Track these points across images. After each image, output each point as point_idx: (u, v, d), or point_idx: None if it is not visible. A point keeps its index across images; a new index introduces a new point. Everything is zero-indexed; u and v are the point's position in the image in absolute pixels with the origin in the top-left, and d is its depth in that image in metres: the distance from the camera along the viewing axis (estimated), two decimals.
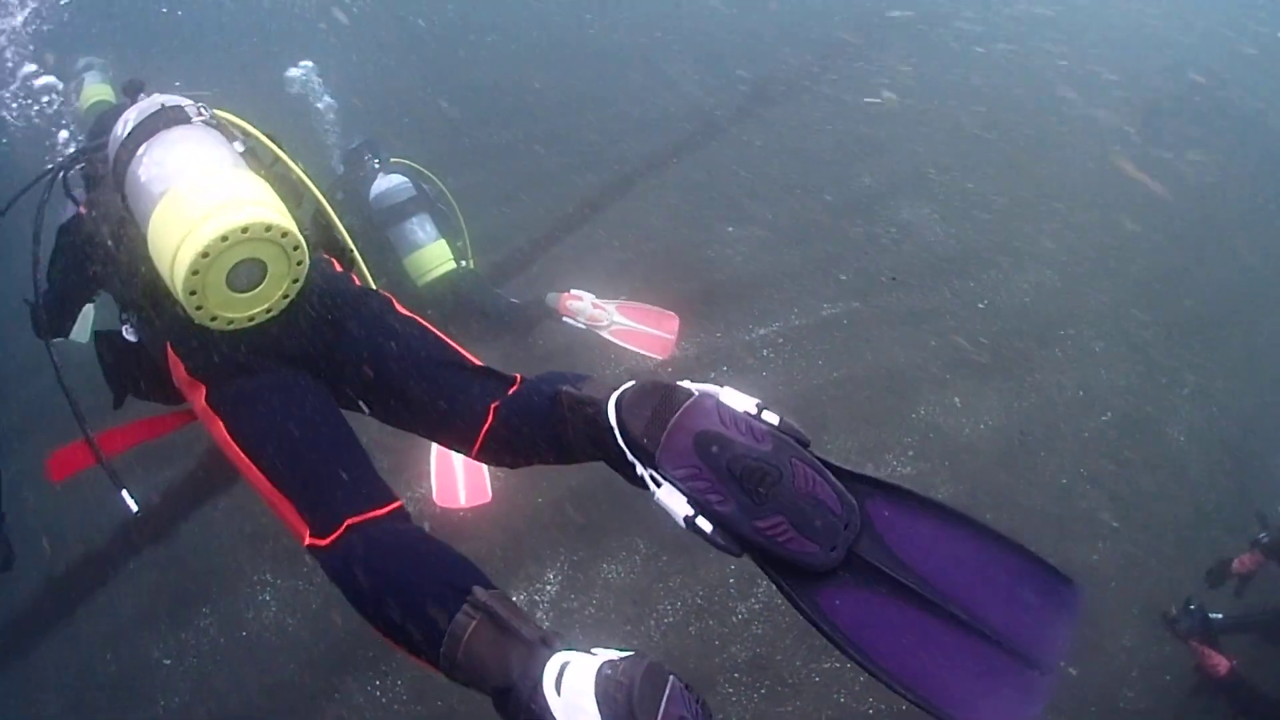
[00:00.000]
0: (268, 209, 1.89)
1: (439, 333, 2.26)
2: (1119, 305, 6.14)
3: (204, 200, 1.85)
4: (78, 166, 2.46)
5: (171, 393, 2.22)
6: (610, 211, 6.66)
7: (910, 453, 4.78)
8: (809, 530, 1.48)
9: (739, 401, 1.63)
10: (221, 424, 2.02)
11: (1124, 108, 8.88)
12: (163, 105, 2.13)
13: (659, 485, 1.60)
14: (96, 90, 6.12)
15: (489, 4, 10.07)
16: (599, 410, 1.72)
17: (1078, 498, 4.81)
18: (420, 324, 2.26)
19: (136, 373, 2.27)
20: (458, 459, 4.16)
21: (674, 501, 1.57)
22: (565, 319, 4.74)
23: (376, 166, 4.93)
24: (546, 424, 1.92)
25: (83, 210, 2.40)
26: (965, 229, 6.68)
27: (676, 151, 7.50)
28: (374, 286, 2.55)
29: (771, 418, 1.60)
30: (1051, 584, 1.49)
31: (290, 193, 2.32)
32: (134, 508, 2.26)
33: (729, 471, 1.53)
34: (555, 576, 4.06)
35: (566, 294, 4.74)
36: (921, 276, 6.08)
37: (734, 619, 3.91)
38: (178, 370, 2.10)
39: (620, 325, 4.74)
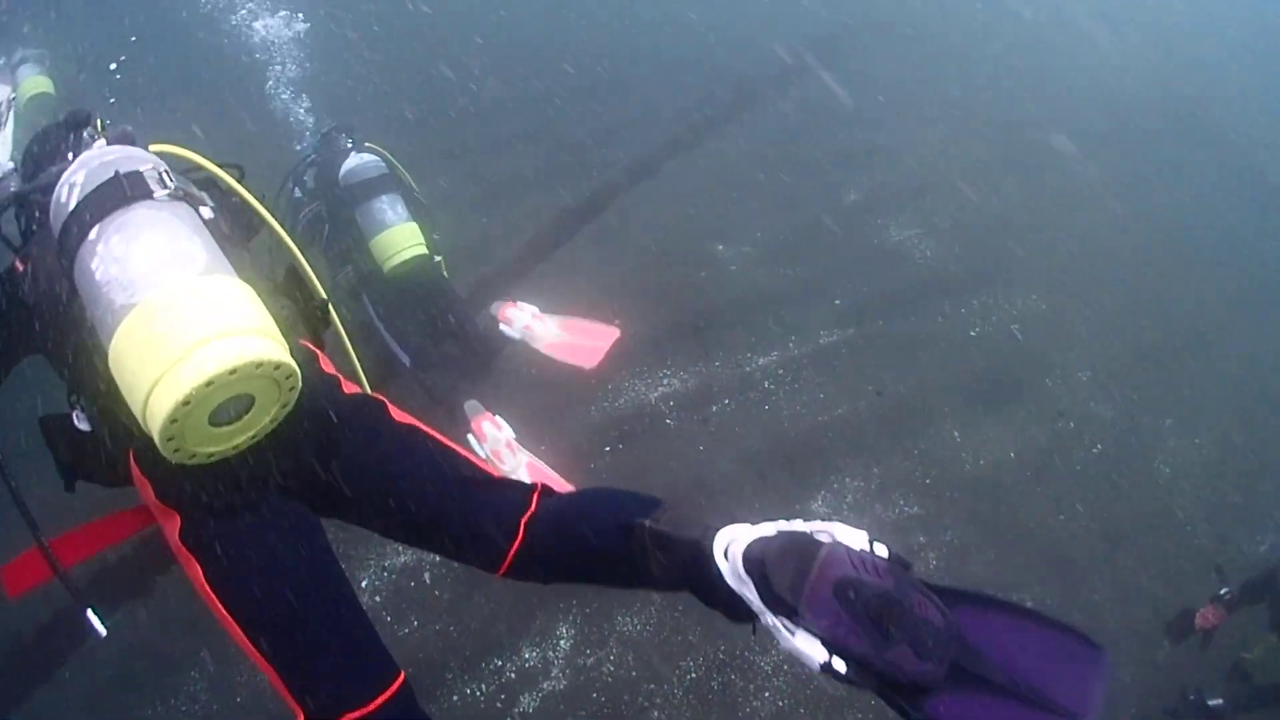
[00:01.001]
0: (258, 339, 1.64)
1: (443, 439, 2.10)
2: (1102, 332, 6.21)
3: (183, 332, 1.57)
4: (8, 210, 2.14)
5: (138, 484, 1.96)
6: (593, 226, 6.47)
7: (915, 491, 4.76)
8: (926, 652, 1.53)
9: (854, 538, 1.62)
10: (199, 570, 1.82)
11: (1102, 127, 8.99)
12: (117, 173, 1.81)
13: (792, 633, 1.56)
14: (35, 83, 5.68)
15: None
16: (703, 556, 1.66)
17: (1075, 534, 4.86)
18: (422, 432, 2.10)
19: (92, 464, 1.96)
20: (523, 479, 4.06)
21: (809, 647, 1.54)
22: (502, 326, 4.60)
23: (349, 146, 4.62)
24: (607, 550, 1.85)
25: (19, 266, 2.06)
26: (952, 250, 6.67)
27: (657, 161, 7.32)
28: (352, 350, 2.44)
29: (882, 550, 1.61)
30: (1089, 652, 1.61)
31: (251, 226, 2.23)
32: (102, 631, 1.96)
33: (864, 612, 1.54)
34: (568, 630, 3.92)
35: (509, 302, 4.63)
36: (913, 301, 6.06)
37: (757, 673, 3.83)
38: (145, 490, 1.89)
39: (556, 339, 4.59)
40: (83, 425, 1.91)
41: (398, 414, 2.11)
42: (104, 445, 1.90)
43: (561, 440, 4.53)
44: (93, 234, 1.72)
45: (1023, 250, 6.80)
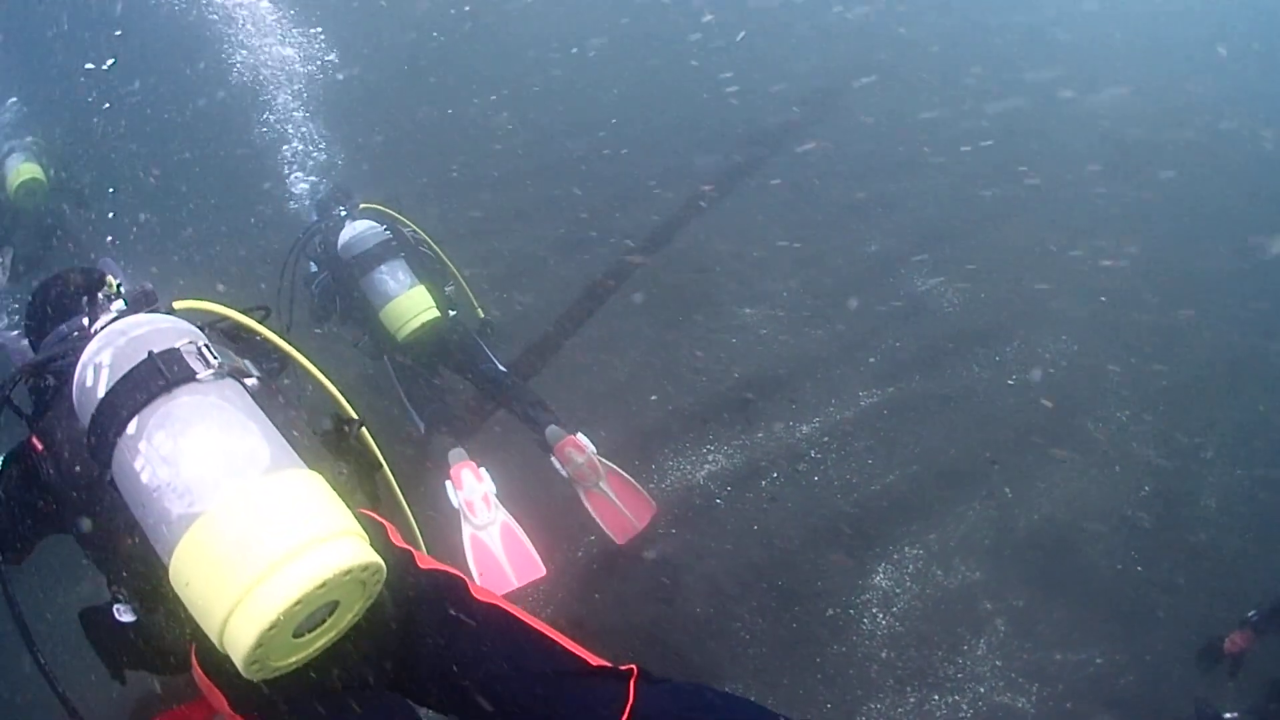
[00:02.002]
0: (342, 543, 1.50)
1: (529, 619, 1.91)
2: (1135, 368, 6.21)
3: (260, 548, 1.42)
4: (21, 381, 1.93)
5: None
6: (620, 298, 6.51)
7: (975, 554, 4.73)
8: None
9: None
10: None
11: (1114, 158, 9.05)
12: (150, 353, 1.64)
13: None
14: (24, 170, 5.46)
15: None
16: None
17: (1134, 585, 4.81)
18: (506, 612, 1.90)
19: (142, 654, 1.78)
20: (494, 538, 3.94)
21: None
22: (553, 459, 4.25)
23: (343, 215, 4.59)
24: None
25: (37, 445, 1.87)
26: (978, 296, 6.70)
27: (679, 224, 7.39)
28: (406, 506, 2.33)
29: None
30: None
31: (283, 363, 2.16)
32: None
33: None
34: None
35: (571, 438, 4.22)
36: (946, 354, 6.07)
37: None
38: (214, 698, 1.72)
39: (601, 492, 4.29)
40: (126, 618, 1.73)
41: (478, 592, 1.94)
42: (157, 638, 1.74)
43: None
44: (131, 428, 1.56)
45: (1047, 287, 6.83)
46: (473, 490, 4.03)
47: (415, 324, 4.23)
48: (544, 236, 7.16)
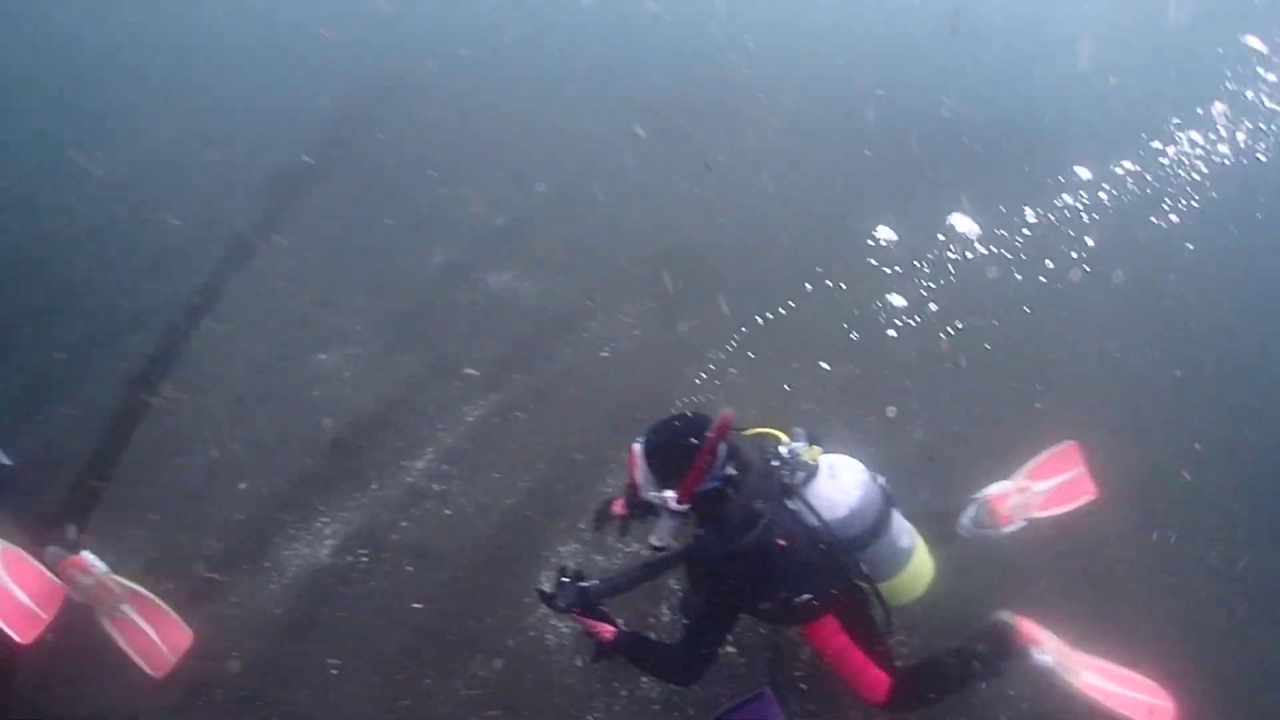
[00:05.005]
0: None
1: None
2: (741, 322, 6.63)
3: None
4: None
5: None
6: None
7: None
8: None
9: None
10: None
11: None
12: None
13: None
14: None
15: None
16: None
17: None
18: None
19: None
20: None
21: None
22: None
23: None
24: None
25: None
26: (552, 282, 6.75)
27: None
28: None
29: None
30: None
31: None
32: None
33: None
34: None
35: (74, 558, 3.63)
36: (536, 346, 6.02)
37: None
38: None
39: (125, 617, 3.71)
40: None
41: None
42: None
43: None
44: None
45: (626, 264, 7.08)
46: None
47: None
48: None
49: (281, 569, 4.35)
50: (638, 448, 2.86)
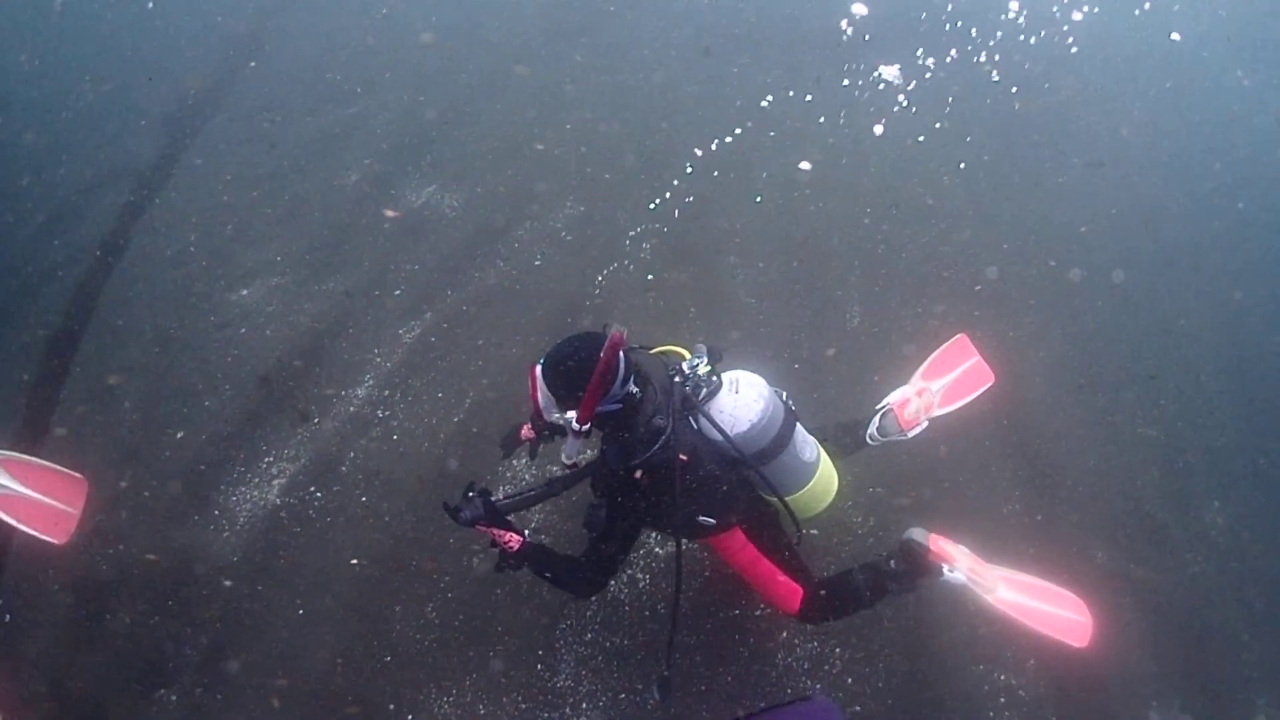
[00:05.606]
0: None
1: None
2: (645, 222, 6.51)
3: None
4: None
5: None
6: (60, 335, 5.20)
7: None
8: None
9: None
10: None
11: None
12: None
13: None
14: None
15: None
16: None
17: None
18: None
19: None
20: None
21: None
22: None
23: None
24: None
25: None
26: (474, 194, 6.51)
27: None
28: None
29: None
30: None
31: None
32: None
33: None
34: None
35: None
36: (466, 259, 5.84)
37: None
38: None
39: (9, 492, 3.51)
40: None
41: None
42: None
43: None
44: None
45: (542, 184, 6.83)
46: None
47: None
48: None
49: (232, 515, 4.28)
50: (537, 370, 2.80)
